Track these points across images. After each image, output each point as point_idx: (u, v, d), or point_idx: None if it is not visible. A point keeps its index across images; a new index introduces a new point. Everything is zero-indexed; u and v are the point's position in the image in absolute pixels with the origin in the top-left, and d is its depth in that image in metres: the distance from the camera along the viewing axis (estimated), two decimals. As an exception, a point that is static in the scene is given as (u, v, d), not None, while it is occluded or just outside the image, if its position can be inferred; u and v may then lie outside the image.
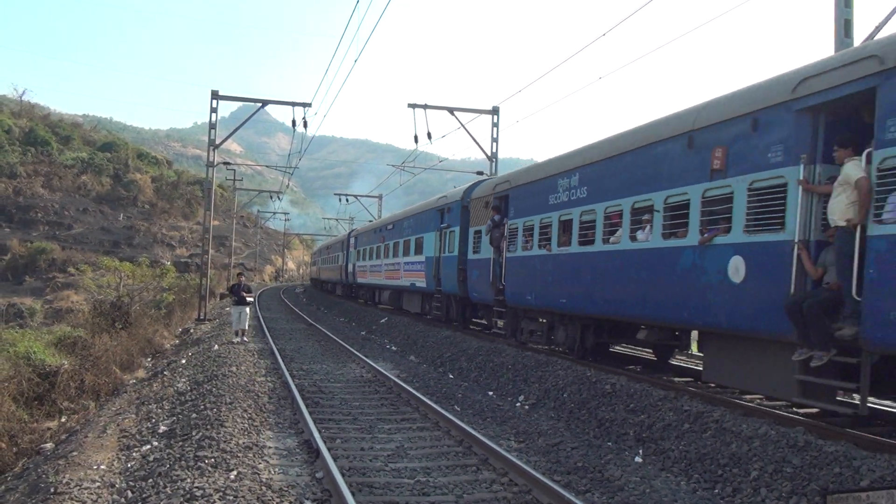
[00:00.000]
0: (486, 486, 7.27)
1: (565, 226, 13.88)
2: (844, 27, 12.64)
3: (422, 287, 24.23)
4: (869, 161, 7.29)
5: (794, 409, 9.28)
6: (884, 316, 6.92)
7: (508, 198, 16.87)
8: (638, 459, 8.48)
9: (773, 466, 7.12)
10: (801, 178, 8.06)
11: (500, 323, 18.34)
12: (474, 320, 21.91)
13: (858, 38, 12.46)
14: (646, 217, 11.25)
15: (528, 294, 15.44)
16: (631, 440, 9.17)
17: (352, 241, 40.56)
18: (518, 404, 12.06)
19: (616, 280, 11.97)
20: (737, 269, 9.01)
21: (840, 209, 7.46)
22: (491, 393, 13.23)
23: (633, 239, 11.49)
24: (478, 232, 18.74)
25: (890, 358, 7.29)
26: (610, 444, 9.31)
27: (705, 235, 9.65)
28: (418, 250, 24.81)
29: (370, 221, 44.70)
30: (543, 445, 9.23)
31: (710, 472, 7.59)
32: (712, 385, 10.98)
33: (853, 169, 7.36)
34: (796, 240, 8.07)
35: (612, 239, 12.16)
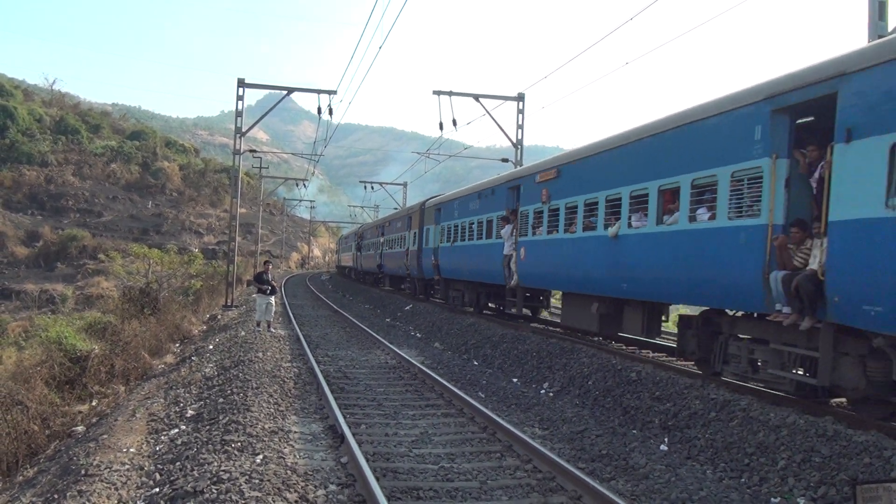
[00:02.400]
0: (509, 473, 7.28)
1: (373, 244, 42.39)
2: (879, 10, 12.33)
3: (354, 266, 52.80)
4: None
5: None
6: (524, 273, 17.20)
7: (363, 234, 47.37)
8: (663, 447, 8.43)
9: (802, 456, 7.04)
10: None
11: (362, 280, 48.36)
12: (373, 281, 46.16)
13: (893, 20, 12.16)
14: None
15: (370, 267, 42.93)
16: (656, 428, 9.11)
17: (340, 241, 76.03)
18: (542, 391, 12.04)
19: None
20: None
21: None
22: (515, 380, 13.23)
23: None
24: (355, 245, 50.48)
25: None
26: (635, 431, 9.26)
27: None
28: (351, 249, 54.12)
29: (360, 225, 69.94)
30: (568, 433, 9.21)
31: (737, 461, 7.52)
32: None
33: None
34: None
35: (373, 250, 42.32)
